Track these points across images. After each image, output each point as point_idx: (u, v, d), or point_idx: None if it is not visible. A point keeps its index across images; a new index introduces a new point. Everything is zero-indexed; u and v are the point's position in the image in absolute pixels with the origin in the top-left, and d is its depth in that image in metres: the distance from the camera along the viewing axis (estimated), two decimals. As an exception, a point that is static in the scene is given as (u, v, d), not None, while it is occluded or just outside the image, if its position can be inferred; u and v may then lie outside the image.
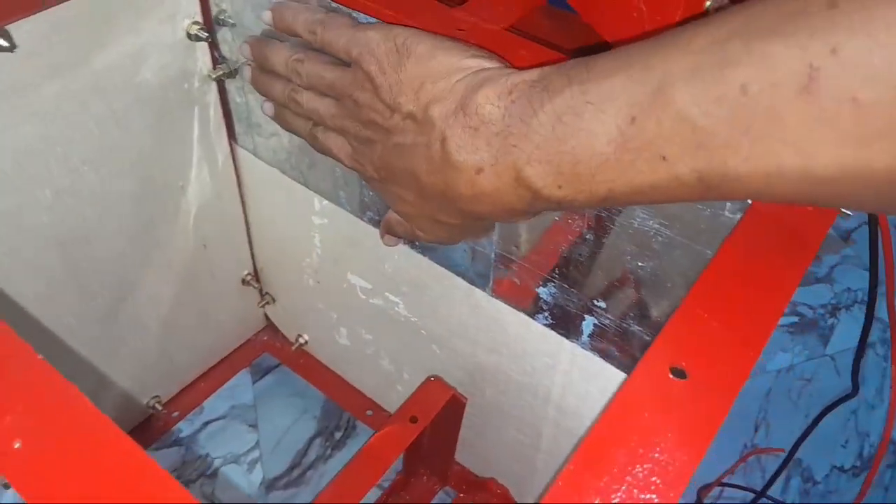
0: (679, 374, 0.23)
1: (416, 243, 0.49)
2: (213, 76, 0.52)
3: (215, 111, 0.55)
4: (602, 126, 0.24)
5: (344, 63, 0.35)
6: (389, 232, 0.41)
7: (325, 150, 0.39)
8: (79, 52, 0.44)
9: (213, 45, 0.51)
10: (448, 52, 0.31)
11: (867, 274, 0.41)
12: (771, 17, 0.21)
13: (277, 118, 0.42)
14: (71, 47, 0.43)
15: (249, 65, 0.42)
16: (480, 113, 0.28)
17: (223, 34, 0.51)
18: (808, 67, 0.19)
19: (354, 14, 0.41)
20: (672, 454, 0.20)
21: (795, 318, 0.89)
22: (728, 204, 0.31)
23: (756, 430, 0.77)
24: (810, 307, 0.90)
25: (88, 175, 0.49)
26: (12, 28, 0.40)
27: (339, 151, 0.38)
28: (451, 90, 0.30)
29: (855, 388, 0.44)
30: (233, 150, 0.58)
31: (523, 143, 0.27)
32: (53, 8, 0.41)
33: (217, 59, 0.52)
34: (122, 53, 0.46)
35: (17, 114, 0.43)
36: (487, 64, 0.31)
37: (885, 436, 0.52)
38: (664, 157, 0.23)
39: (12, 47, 0.40)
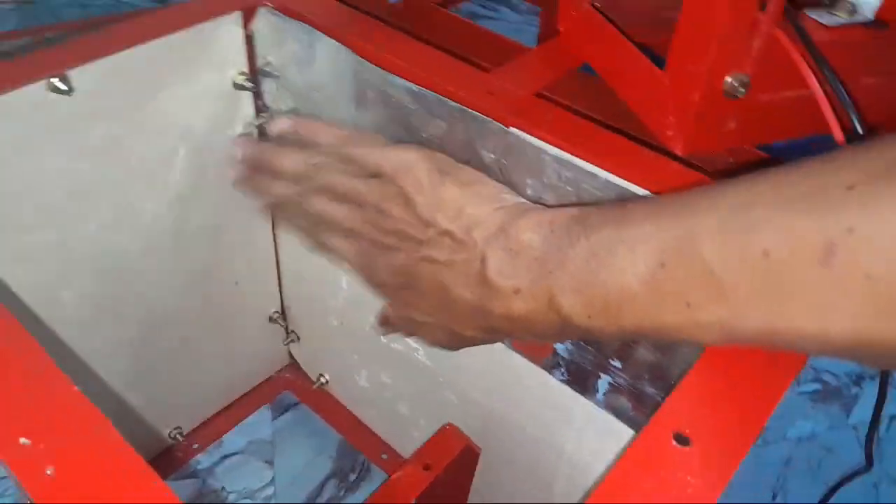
0: (683, 440, 0.23)
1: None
2: (256, 123, 0.55)
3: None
4: (633, 266, 0.26)
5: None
6: (386, 326, 0.43)
7: (328, 249, 0.41)
8: (131, 97, 0.47)
9: (258, 95, 0.54)
10: (487, 184, 0.35)
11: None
12: (794, 190, 0.22)
13: (276, 214, 0.44)
14: (124, 93, 0.46)
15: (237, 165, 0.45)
16: (521, 238, 0.31)
17: (267, 84, 0.54)
18: (826, 242, 0.21)
19: (389, 77, 0.43)
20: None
21: (818, 386, 0.88)
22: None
23: (774, 497, 0.76)
24: (834, 374, 0.89)
25: (132, 213, 0.51)
26: (72, 73, 0.43)
27: (348, 252, 0.39)
28: (492, 215, 0.33)
29: (869, 463, 0.44)
30: (268, 194, 0.61)
31: (559, 271, 0.28)
32: (111, 56, 0.44)
33: (260, 108, 0.55)
34: (172, 100, 0.49)
35: (70, 152, 0.45)
36: (524, 200, 0.34)
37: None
38: (688, 304, 0.24)
39: (70, 91, 0.43)
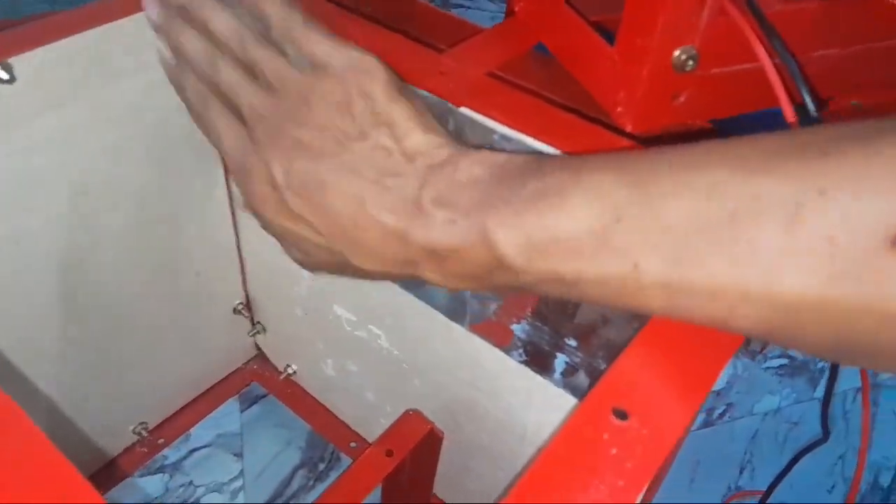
0: (621, 415, 0.23)
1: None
2: (210, 110, 0.54)
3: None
4: (585, 214, 0.25)
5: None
6: (250, 209, 0.36)
7: (208, 127, 0.35)
8: (80, 85, 0.45)
9: (210, 81, 0.53)
10: (437, 122, 0.32)
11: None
12: (765, 154, 0.22)
13: (171, 71, 0.38)
14: (72, 81, 0.45)
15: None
16: (470, 171, 0.29)
17: (220, 70, 0.52)
18: (794, 204, 0.21)
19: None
20: (604, 499, 0.21)
21: (785, 361, 0.89)
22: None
23: (741, 472, 0.77)
24: (801, 350, 0.90)
25: (85, 204, 0.50)
26: (14, 61, 0.42)
27: (228, 134, 0.33)
28: (441, 147, 0.30)
29: (825, 434, 0.45)
30: (228, 184, 0.60)
31: (503, 206, 0.27)
32: (56, 43, 0.43)
33: (213, 94, 0.54)
34: (124, 88, 0.48)
35: (16, 143, 0.44)
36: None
37: (853, 484, 0.52)
38: (636, 264, 0.24)
39: (12, 80, 0.42)
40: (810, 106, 0.33)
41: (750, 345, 0.79)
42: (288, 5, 0.34)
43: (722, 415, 0.83)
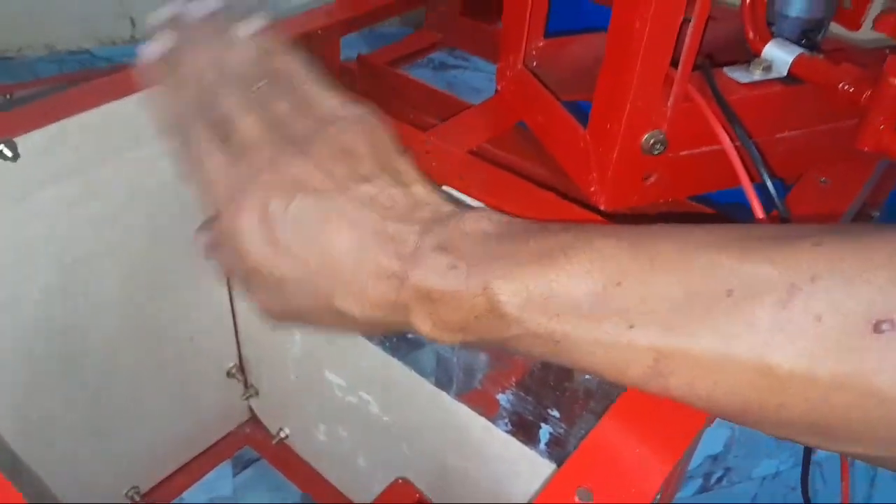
0: (586, 496, 0.24)
1: (387, 343, 0.51)
2: (206, 181, 0.56)
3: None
4: (587, 277, 0.25)
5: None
6: (211, 251, 0.35)
7: (192, 150, 0.33)
8: (79, 161, 0.47)
9: (208, 154, 0.55)
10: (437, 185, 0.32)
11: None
12: (761, 241, 0.24)
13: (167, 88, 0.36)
14: (72, 157, 0.47)
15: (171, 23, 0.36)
16: (474, 224, 0.29)
17: (217, 144, 0.55)
18: (788, 286, 0.22)
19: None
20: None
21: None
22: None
23: (739, 539, 0.76)
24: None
25: (81, 272, 0.51)
26: (19, 140, 0.44)
27: (213, 162, 0.32)
28: (443, 203, 0.31)
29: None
30: (223, 249, 0.61)
31: (507, 259, 0.27)
32: (58, 122, 0.45)
33: (211, 166, 0.56)
34: (120, 163, 0.50)
35: (16, 215, 0.46)
36: None
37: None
38: (631, 326, 0.25)
39: (16, 157, 0.44)
40: (769, 185, 0.35)
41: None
42: (301, 60, 0.35)
43: (720, 479, 0.83)
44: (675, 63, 0.35)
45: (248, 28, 0.36)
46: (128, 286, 0.55)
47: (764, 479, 0.82)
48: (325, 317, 0.32)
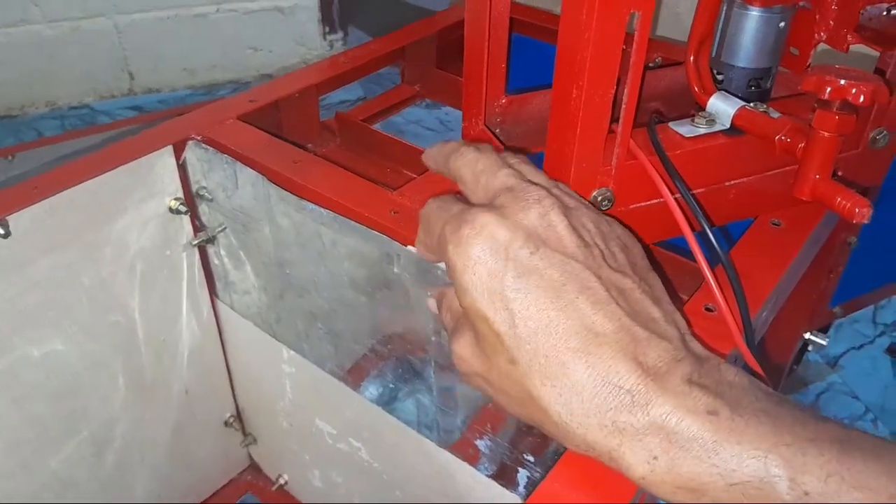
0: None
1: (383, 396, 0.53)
2: (194, 243, 0.58)
3: (198, 271, 0.61)
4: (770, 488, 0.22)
5: None
6: (440, 309, 0.34)
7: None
8: (70, 231, 0.50)
9: (194, 216, 0.58)
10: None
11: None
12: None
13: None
14: (63, 228, 0.49)
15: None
16: (732, 372, 0.26)
17: (202, 206, 0.57)
18: None
19: (302, 202, 0.46)
20: None
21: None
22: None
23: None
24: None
25: (78, 334, 0.54)
26: (10, 218, 0.46)
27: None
28: (688, 335, 0.28)
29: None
30: (214, 305, 0.64)
31: (804, 443, 0.23)
32: (48, 199, 0.48)
33: (198, 228, 0.58)
34: (112, 229, 0.53)
35: (13, 287, 0.48)
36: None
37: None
38: None
39: (7, 235, 0.46)
40: (710, 236, 0.37)
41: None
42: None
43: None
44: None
45: None
46: (125, 345, 0.58)
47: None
48: (522, 407, 0.28)
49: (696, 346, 0.28)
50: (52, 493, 0.58)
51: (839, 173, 0.44)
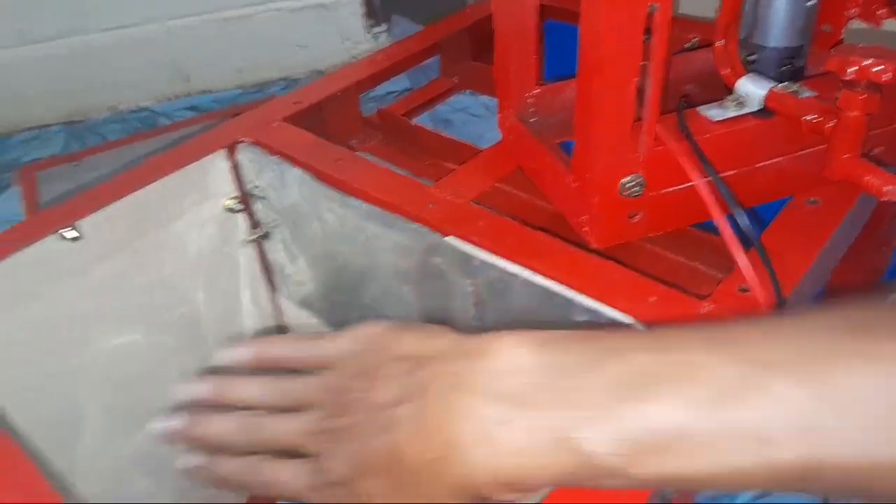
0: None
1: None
2: (251, 239, 0.61)
3: (257, 265, 0.64)
4: (690, 398, 0.22)
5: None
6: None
7: (268, 485, 0.33)
8: (131, 234, 0.53)
9: (250, 214, 0.61)
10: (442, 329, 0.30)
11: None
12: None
13: (195, 473, 0.37)
14: (124, 232, 0.53)
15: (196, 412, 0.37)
16: (504, 361, 0.25)
17: (257, 205, 0.60)
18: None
19: (346, 198, 0.49)
20: None
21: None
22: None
23: None
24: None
25: (137, 335, 0.57)
26: (82, 222, 0.50)
27: (296, 476, 0.31)
28: (453, 343, 0.28)
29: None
30: (273, 296, 0.67)
31: (575, 400, 0.24)
32: (110, 205, 0.51)
33: (253, 224, 0.62)
34: (171, 230, 0.56)
35: (76, 290, 0.52)
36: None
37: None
38: (766, 440, 0.22)
39: (79, 238, 0.50)
40: (743, 218, 0.37)
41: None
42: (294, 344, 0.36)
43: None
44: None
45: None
46: (184, 343, 0.60)
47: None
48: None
49: (462, 345, 0.28)
50: (113, 477, 0.60)
51: (875, 150, 0.43)
